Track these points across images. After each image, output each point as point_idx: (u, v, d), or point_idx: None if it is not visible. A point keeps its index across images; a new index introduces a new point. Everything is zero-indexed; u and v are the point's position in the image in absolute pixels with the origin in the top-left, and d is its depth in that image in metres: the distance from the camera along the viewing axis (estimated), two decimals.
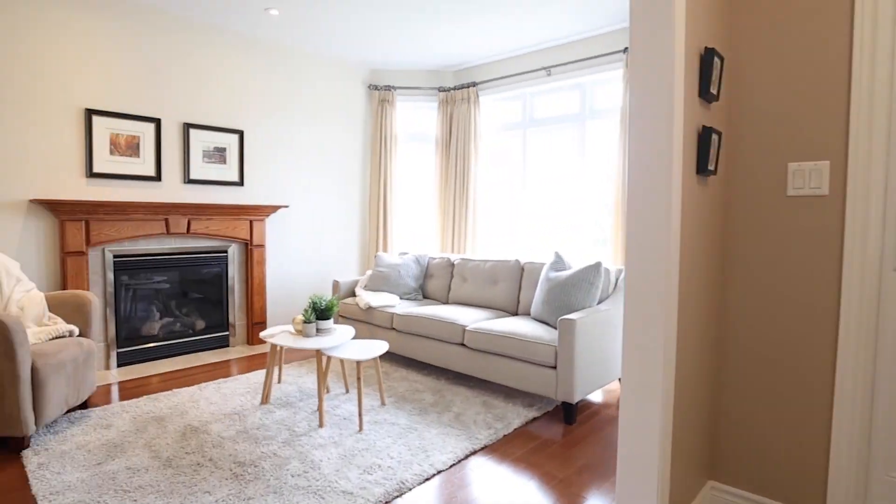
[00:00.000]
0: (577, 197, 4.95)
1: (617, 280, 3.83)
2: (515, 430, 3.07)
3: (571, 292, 3.52)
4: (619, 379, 3.84)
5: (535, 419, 3.24)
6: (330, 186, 5.41)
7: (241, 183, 4.61)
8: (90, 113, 3.71)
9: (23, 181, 3.49)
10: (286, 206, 4.77)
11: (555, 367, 3.23)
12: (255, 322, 4.73)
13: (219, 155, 4.47)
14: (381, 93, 5.64)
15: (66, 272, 3.60)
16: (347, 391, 3.53)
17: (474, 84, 5.49)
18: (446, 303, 4.62)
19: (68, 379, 2.78)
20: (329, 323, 3.20)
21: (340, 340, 3.08)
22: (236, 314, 4.69)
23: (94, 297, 3.15)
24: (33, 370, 2.56)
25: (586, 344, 3.22)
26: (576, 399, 3.15)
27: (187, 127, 4.24)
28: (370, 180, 5.81)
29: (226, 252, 4.56)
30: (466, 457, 2.69)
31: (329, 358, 3.10)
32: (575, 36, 4.75)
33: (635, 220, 1.76)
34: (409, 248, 6.00)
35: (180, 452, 2.60)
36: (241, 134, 4.58)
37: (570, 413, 3.19)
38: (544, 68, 5.00)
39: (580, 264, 3.73)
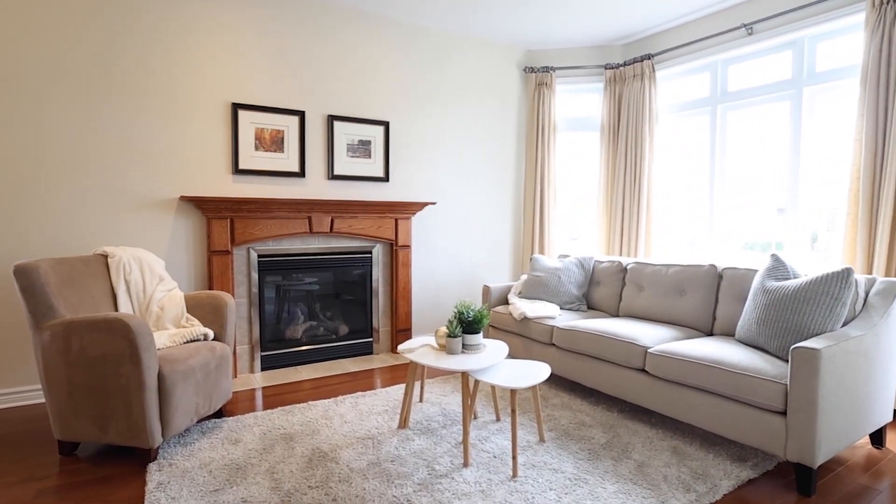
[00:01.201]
0: (787, 187, 3.84)
1: (867, 294, 2.75)
2: (725, 496, 2.22)
3: (804, 310, 2.55)
4: (871, 434, 2.75)
5: (750, 481, 2.36)
6: (480, 182, 4.89)
7: (386, 178, 4.28)
8: (236, 107, 3.60)
9: (173, 178, 3.46)
10: (433, 203, 4.34)
11: (783, 413, 2.31)
12: (399, 329, 4.36)
13: (363, 149, 4.17)
14: (537, 75, 5.00)
15: (212, 271, 3.51)
16: (498, 419, 2.93)
17: (649, 56, 4.60)
18: (616, 315, 3.83)
19: (197, 387, 2.55)
20: (478, 338, 2.64)
21: (491, 360, 2.49)
22: (380, 319, 4.36)
23: (231, 299, 2.95)
24: (160, 377, 2.35)
25: (834, 384, 2.26)
26: (818, 461, 2.21)
27: (331, 119, 4.00)
28: (525, 174, 5.19)
29: (370, 253, 4.26)
30: None
31: (477, 381, 2.53)
32: None
33: None
34: (568, 250, 5.27)
35: (303, 485, 2.20)
36: (386, 125, 4.25)
37: (806, 479, 2.25)
38: (744, 25, 3.97)
39: (814, 271, 2.73)
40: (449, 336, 2.59)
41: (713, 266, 3.35)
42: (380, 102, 4.26)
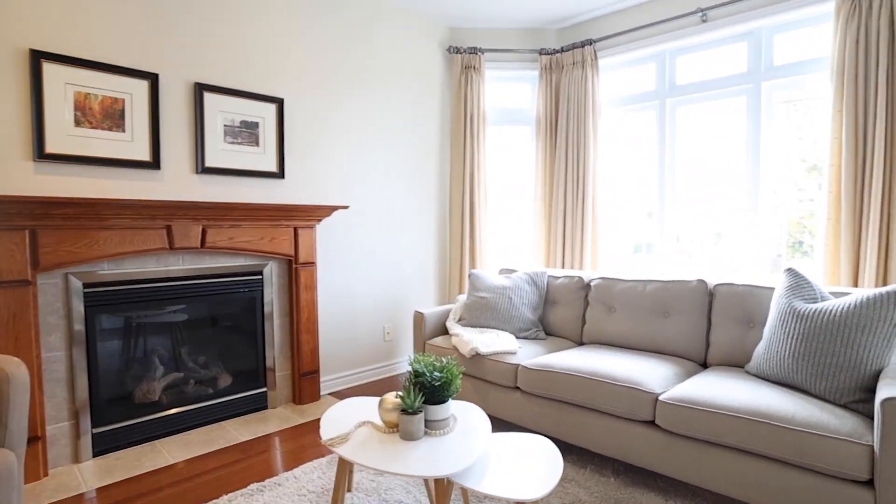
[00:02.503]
0: (747, 189, 3.37)
1: None
2: None
3: (858, 340, 1.96)
4: None
5: None
6: (402, 181, 3.95)
7: (280, 174, 3.20)
8: (38, 57, 2.34)
9: None
10: (345, 208, 3.32)
11: (870, 484, 1.67)
12: (303, 372, 3.28)
13: (248, 133, 3.06)
14: (464, 57, 4.16)
15: None
16: None
17: (591, 42, 3.96)
18: (580, 343, 3.10)
19: None
20: (446, 408, 1.70)
21: (474, 452, 1.56)
22: (276, 361, 3.25)
23: (17, 369, 1.72)
24: None
25: None
26: None
27: (199, 88, 2.84)
28: (452, 174, 4.32)
29: (260, 274, 3.14)
30: None
31: (450, 482, 1.58)
32: None
33: None
34: (503, 262, 4.48)
35: None
36: (280, 103, 3.17)
37: None
38: (700, 11, 3.46)
39: (857, 291, 2.17)
40: (404, 411, 1.62)
41: (702, 282, 2.73)
42: (272, 74, 3.17)
